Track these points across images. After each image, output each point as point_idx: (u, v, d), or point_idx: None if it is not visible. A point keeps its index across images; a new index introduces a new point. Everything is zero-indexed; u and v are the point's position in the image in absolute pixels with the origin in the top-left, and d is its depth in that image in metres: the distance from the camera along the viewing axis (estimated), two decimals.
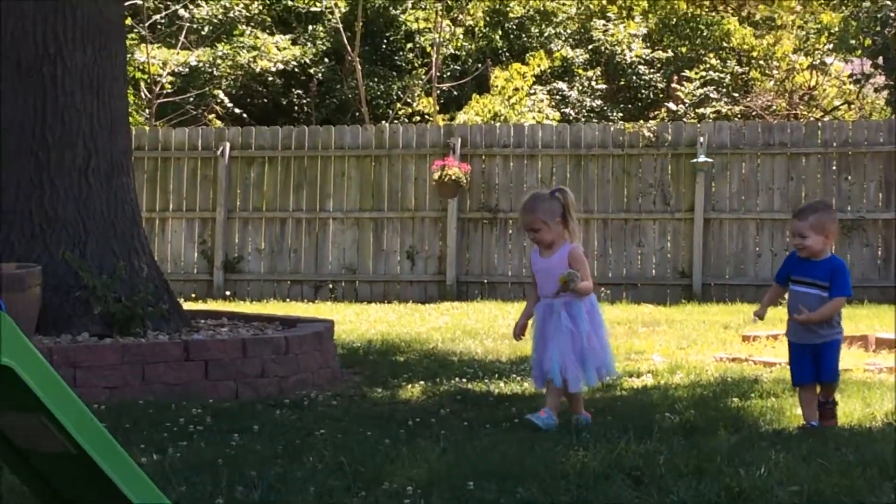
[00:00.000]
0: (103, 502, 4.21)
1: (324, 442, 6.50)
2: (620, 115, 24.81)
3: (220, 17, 25.54)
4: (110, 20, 9.84)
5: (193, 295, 18.67)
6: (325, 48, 26.30)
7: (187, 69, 24.49)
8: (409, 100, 25.41)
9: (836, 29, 24.19)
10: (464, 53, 26.45)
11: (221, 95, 25.07)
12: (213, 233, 19.33)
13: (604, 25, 26.37)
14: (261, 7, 26.52)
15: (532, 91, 24.05)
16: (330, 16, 25.80)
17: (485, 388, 8.85)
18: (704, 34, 25.75)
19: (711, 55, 25.41)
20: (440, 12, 25.07)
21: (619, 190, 18.55)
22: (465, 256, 18.82)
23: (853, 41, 23.65)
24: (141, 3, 23.50)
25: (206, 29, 25.39)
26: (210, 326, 9.94)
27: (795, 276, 7.15)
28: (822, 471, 5.70)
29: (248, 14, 26.05)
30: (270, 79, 25.78)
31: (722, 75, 24.99)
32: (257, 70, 24.99)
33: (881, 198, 17.80)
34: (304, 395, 8.40)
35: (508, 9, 26.92)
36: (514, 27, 27.08)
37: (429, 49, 25.66)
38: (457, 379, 9.33)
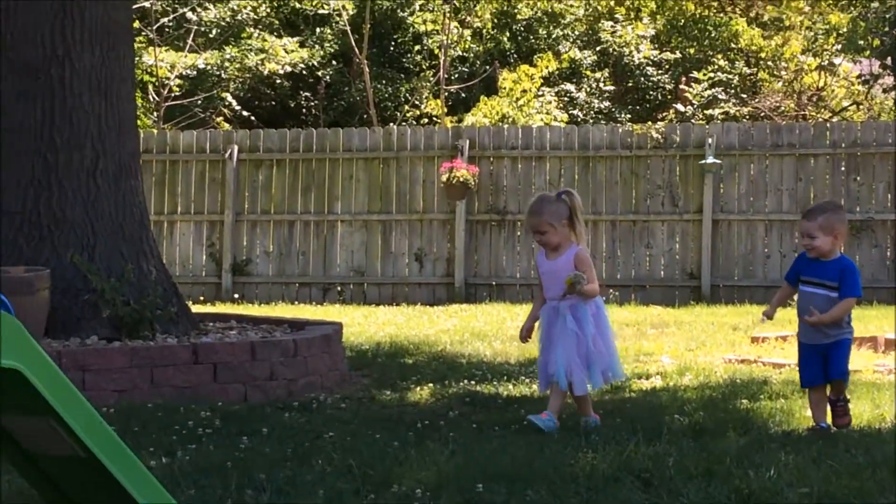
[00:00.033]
0: None
1: (333, 445, 6.49)
2: (628, 116, 24.80)
3: (227, 19, 25.56)
4: (118, 22, 9.84)
5: (202, 298, 18.68)
6: (332, 51, 26.31)
7: (195, 72, 24.51)
8: (416, 102, 25.42)
9: (845, 29, 24.15)
10: (472, 55, 26.46)
11: (229, 98, 25.09)
12: (222, 235, 19.34)
13: (612, 27, 26.36)
14: (268, 10, 26.53)
15: (540, 93, 24.05)
16: (338, 18, 25.81)
17: (493, 391, 8.84)
18: (712, 35, 25.73)
19: (720, 56, 25.38)
20: (448, 14, 25.08)
21: (627, 191, 18.54)
22: (473, 258, 18.81)
23: (861, 42, 23.60)
24: (149, 6, 23.53)
25: (214, 32, 25.41)
26: (219, 329, 9.94)
27: (805, 277, 7.14)
28: (832, 472, 5.69)
29: (255, 17, 26.07)
30: (278, 81, 25.80)
31: (730, 76, 24.96)
32: (265, 73, 25.00)
33: (890, 198, 17.78)
34: (312, 398, 8.39)
35: (516, 10, 26.92)
36: (522, 29, 27.08)
37: (436, 51, 25.68)
38: (465, 381, 9.33)
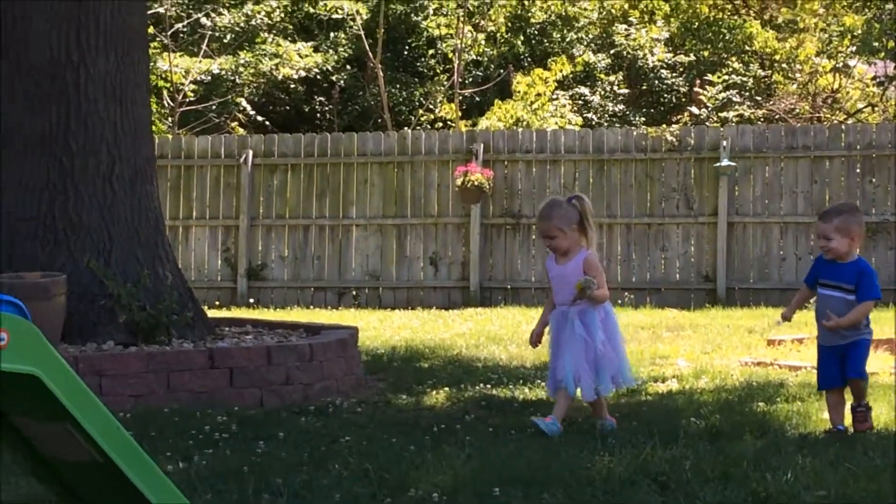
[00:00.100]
0: None
1: (349, 449, 6.50)
2: (643, 119, 24.79)
3: (242, 25, 25.60)
4: (133, 27, 9.85)
5: (217, 302, 18.71)
6: (346, 55, 26.34)
7: (210, 77, 24.55)
8: (431, 106, 25.44)
9: (859, 31, 24.10)
10: (486, 59, 26.46)
11: (244, 103, 25.13)
12: (237, 240, 19.36)
13: (626, 30, 26.35)
14: (283, 15, 26.57)
15: (554, 96, 24.05)
16: (352, 23, 25.83)
17: (509, 394, 8.84)
18: (727, 38, 25.71)
19: (734, 59, 25.35)
20: (462, 18, 25.09)
21: (642, 194, 18.52)
22: (488, 262, 18.80)
23: (876, 43, 23.57)
24: (163, 11, 23.58)
25: (229, 37, 25.44)
26: (234, 334, 9.95)
27: (822, 280, 7.13)
28: (850, 475, 5.68)
29: (269, 22, 26.10)
30: (292, 86, 25.84)
31: (744, 79, 24.93)
32: (279, 77, 25.04)
33: None
34: (328, 402, 8.39)
35: (530, 14, 26.93)
36: (536, 32, 27.08)
37: (451, 55, 25.69)
38: (481, 385, 9.32)
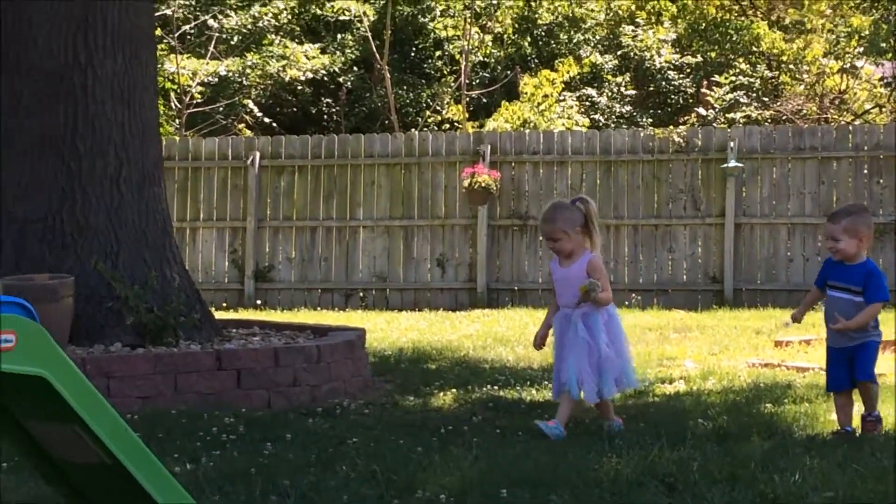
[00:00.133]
0: None
1: (356, 450, 6.50)
2: (650, 120, 24.79)
3: (249, 26, 25.62)
4: (141, 28, 9.84)
5: (224, 304, 18.71)
6: (353, 57, 26.36)
7: (217, 79, 24.57)
8: (438, 107, 25.44)
9: (867, 32, 24.08)
10: (493, 60, 26.47)
11: (251, 105, 25.15)
12: (244, 242, 19.38)
13: (633, 31, 26.35)
14: (290, 16, 26.58)
15: (561, 97, 24.05)
16: (358, 24, 25.85)
17: (517, 396, 8.84)
18: (734, 39, 25.69)
19: (741, 60, 25.34)
20: (469, 20, 25.09)
21: (649, 196, 18.51)
22: (495, 263, 18.80)
23: (884, 44, 23.53)
24: (171, 13, 23.60)
25: (236, 39, 25.47)
26: (242, 335, 9.96)
27: (831, 281, 7.12)
28: (858, 477, 5.67)
29: (277, 23, 26.12)
30: (300, 88, 25.86)
31: (752, 80, 24.92)
32: (286, 79, 25.07)
33: None
34: (336, 404, 8.40)
35: (537, 15, 26.93)
36: (543, 34, 27.08)
37: (458, 56, 25.70)
38: (489, 386, 9.32)
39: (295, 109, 26.85)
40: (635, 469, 5.86)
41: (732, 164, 17.90)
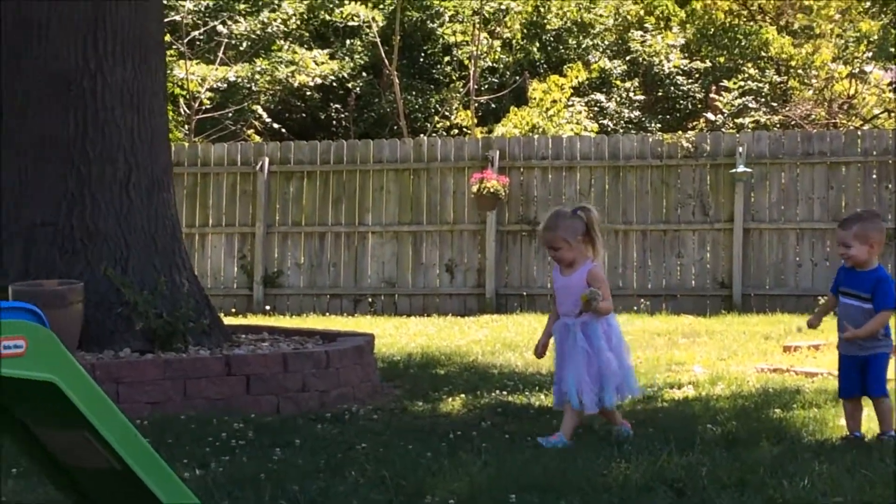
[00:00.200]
0: None
1: (365, 456, 6.51)
2: (659, 125, 24.77)
3: (258, 32, 25.64)
4: (150, 34, 9.86)
5: (233, 310, 18.74)
6: (362, 62, 26.37)
7: (226, 85, 24.60)
8: (447, 113, 25.46)
9: (876, 37, 24.07)
10: (501, 66, 26.47)
11: (260, 110, 25.18)
12: (253, 247, 19.39)
13: (641, 36, 26.34)
14: (299, 22, 26.61)
15: (570, 103, 24.04)
16: (367, 30, 25.87)
17: (525, 401, 8.84)
18: (742, 44, 25.69)
19: (750, 65, 25.34)
20: (478, 25, 25.11)
21: (657, 201, 18.51)
22: (504, 269, 18.80)
23: (893, 49, 23.52)
24: (180, 19, 23.64)
25: (245, 44, 25.49)
26: (251, 341, 9.96)
27: (842, 288, 7.09)
28: (867, 482, 5.67)
29: (286, 29, 26.15)
30: (308, 93, 25.88)
31: (760, 85, 24.92)
32: (295, 85, 25.07)
33: None
34: (345, 409, 8.40)
35: (546, 21, 26.93)
36: (552, 39, 27.08)
37: (466, 62, 25.70)
38: (497, 392, 9.32)
39: (304, 115, 26.88)
40: (644, 474, 5.86)
41: (741, 169, 17.90)
